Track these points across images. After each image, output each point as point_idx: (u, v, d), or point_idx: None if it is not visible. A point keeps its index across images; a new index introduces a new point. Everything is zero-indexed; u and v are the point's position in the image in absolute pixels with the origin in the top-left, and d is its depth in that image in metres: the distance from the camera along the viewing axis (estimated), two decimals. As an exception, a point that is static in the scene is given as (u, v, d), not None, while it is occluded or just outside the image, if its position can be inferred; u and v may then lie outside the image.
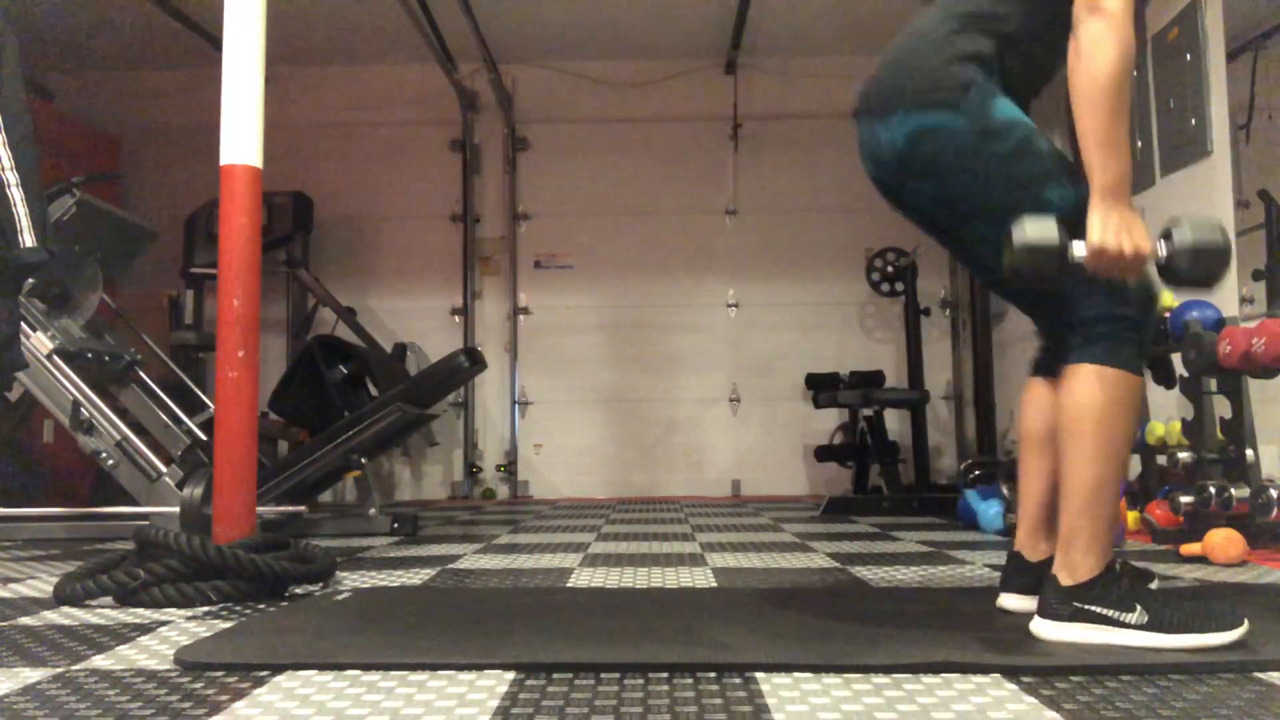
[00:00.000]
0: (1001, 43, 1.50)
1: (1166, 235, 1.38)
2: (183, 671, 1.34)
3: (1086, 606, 1.39)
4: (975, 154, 1.46)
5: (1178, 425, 2.97)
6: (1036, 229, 1.36)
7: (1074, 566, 1.41)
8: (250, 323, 2.10)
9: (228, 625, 1.70)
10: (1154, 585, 1.77)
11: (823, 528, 3.61)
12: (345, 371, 4.19)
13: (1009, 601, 1.65)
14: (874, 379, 5.03)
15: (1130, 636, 1.37)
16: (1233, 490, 2.56)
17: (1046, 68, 1.58)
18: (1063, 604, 1.41)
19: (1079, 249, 1.36)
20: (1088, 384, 1.43)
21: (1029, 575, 1.63)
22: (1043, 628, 1.42)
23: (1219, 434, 2.80)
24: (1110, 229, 1.35)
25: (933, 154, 1.48)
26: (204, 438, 3.68)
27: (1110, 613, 1.38)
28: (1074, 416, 1.43)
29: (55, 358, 3.32)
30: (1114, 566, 1.42)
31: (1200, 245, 1.36)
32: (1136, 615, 1.38)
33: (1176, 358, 2.97)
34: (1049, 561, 1.53)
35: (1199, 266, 1.36)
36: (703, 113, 5.85)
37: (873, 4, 5.02)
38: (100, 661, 1.42)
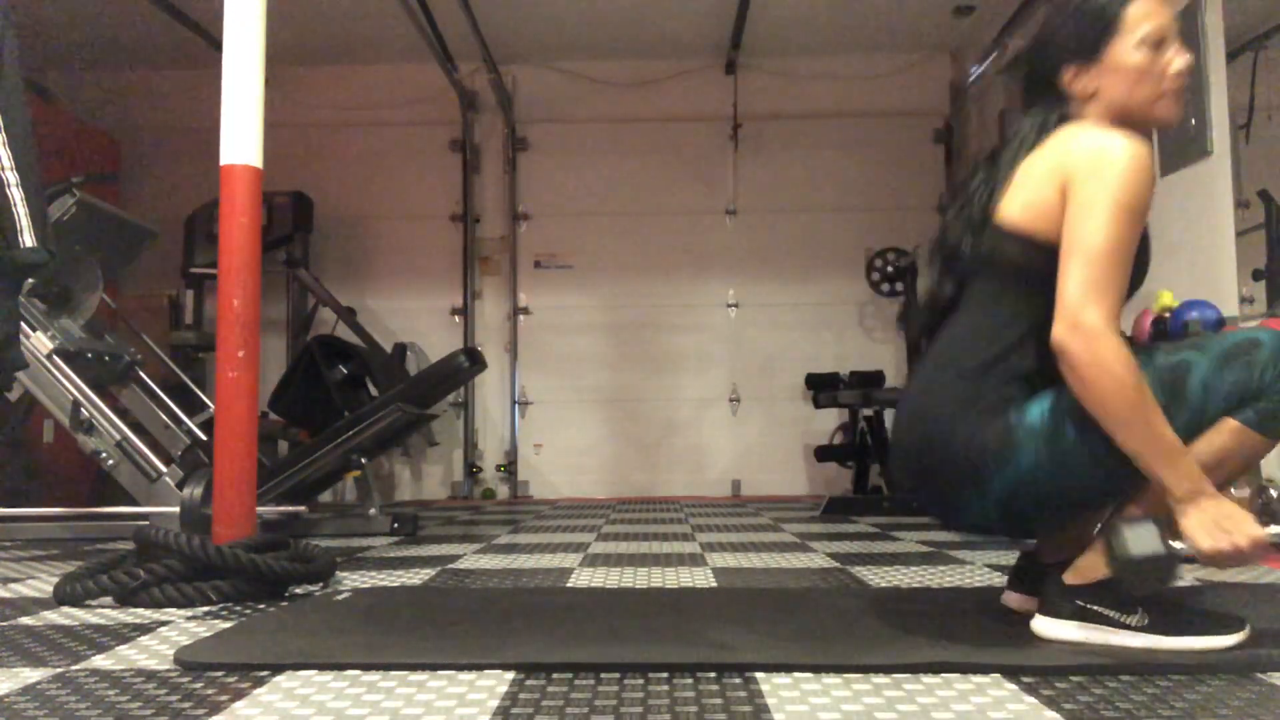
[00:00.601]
0: (1023, 380, 1.39)
1: None
2: (183, 671, 1.34)
3: (1088, 606, 1.39)
4: (1062, 459, 1.34)
5: (1178, 425, 2.97)
6: (1137, 542, 1.29)
7: (1085, 569, 1.41)
8: (250, 323, 2.10)
9: (228, 625, 1.70)
10: None
11: (823, 528, 3.61)
12: (345, 371, 4.19)
13: (1014, 600, 1.65)
14: (874, 379, 5.03)
15: (1130, 638, 1.37)
16: (1233, 490, 2.56)
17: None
18: (1065, 601, 1.41)
19: (1184, 547, 1.30)
20: (1222, 434, 1.34)
21: (1040, 578, 1.60)
22: (1043, 625, 1.42)
23: (1219, 434, 2.79)
24: (1208, 533, 1.27)
25: (1032, 496, 1.38)
26: (204, 438, 3.68)
27: (1112, 613, 1.38)
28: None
29: (55, 358, 3.33)
30: None
31: None
32: (1138, 617, 1.37)
33: (1176, 358, 2.97)
34: (1061, 565, 1.53)
35: None
36: (703, 113, 5.85)
37: (873, 4, 5.02)
38: (100, 661, 1.42)
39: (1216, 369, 1.33)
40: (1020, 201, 1.40)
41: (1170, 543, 1.29)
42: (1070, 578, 1.41)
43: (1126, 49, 1.41)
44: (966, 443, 1.38)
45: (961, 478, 1.40)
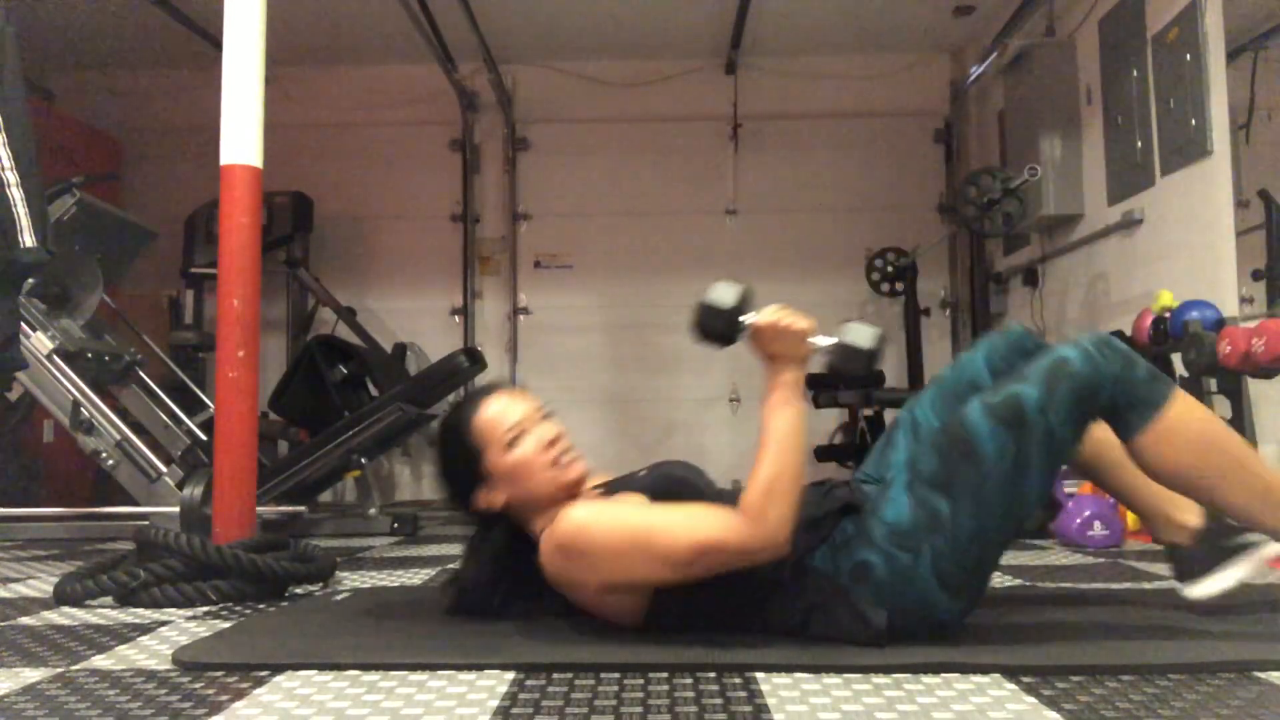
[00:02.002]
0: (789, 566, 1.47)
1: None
2: (182, 671, 1.34)
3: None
4: (956, 518, 1.40)
5: (1178, 425, 2.97)
6: (859, 334, 1.47)
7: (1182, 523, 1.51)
8: (250, 323, 2.10)
9: (227, 625, 1.70)
10: None
11: (823, 528, 3.60)
12: (345, 371, 4.18)
13: (1192, 591, 1.59)
14: (874, 379, 5.02)
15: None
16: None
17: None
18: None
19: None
20: (1170, 432, 1.42)
21: (1199, 559, 1.59)
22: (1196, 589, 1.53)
23: (1219, 434, 2.79)
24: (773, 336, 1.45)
25: (959, 565, 1.41)
26: (204, 438, 3.68)
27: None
28: (1191, 465, 1.42)
29: (55, 358, 3.32)
30: None
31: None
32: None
33: (1176, 358, 2.97)
34: (1202, 533, 1.58)
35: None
36: (703, 113, 5.85)
37: (873, 4, 5.02)
38: (100, 661, 1.42)
39: (1047, 390, 1.38)
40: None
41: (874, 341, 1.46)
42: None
43: (496, 458, 1.53)
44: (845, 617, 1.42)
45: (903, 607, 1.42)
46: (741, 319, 1.48)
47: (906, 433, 1.59)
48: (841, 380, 1.55)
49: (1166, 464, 1.41)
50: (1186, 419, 1.40)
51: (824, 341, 1.47)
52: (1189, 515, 1.59)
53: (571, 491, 1.56)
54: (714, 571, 1.40)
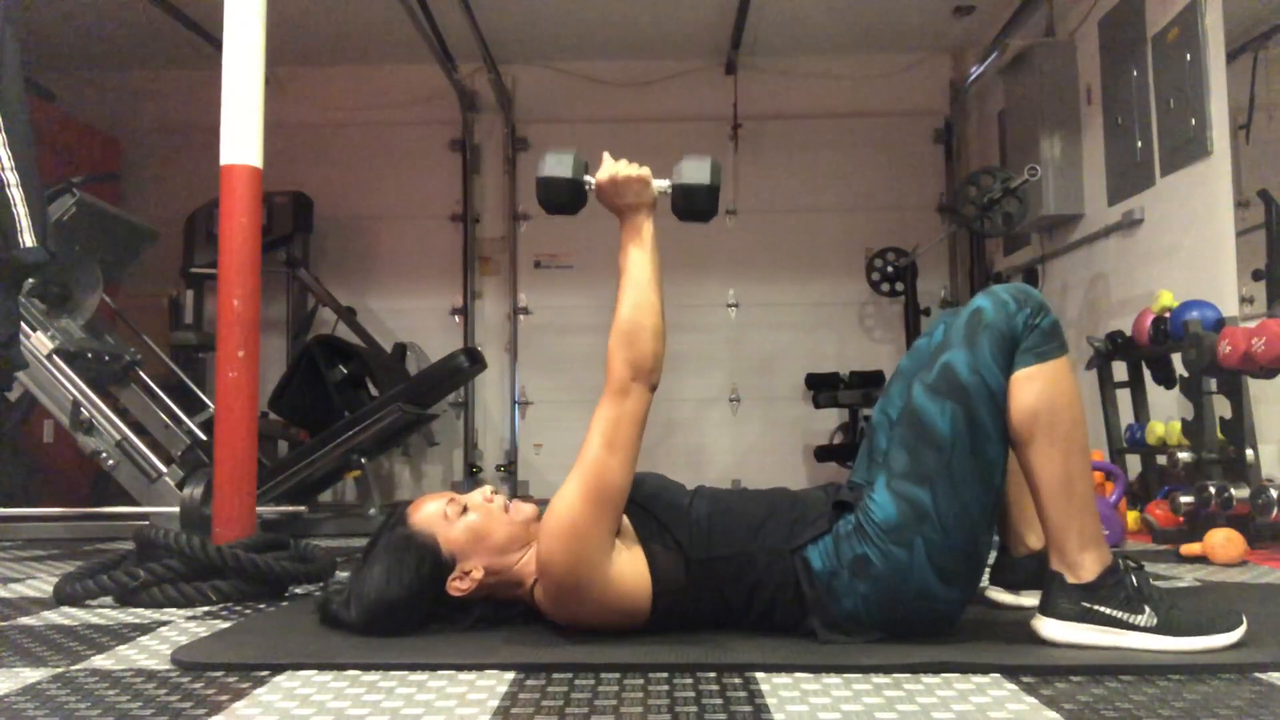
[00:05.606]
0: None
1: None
2: (182, 671, 1.35)
3: (1095, 607, 1.38)
4: (943, 505, 1.41)
5: (1178, 425, 2.98)
6: (694, 169, 1.63)
7: (1076, 566, 1.40)
8: (250, 323, 2.10)
9: (227, 625, 1.70)
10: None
11: (823, 528, 3.60)
12: (345, 371, 4.19)
13: (994, 594, 1.74)
14: (874, 379, 5.03)
15: (1138, 639, 1.36)
16: (1233, 490, 2.56)
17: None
18: (1070, 603, 1.39)
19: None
20: (1050, 380, 1.41)
21: (1013, 571, 1.70)
22: (1049, 627, 1.41)
23: (1219, 434, 2.80)
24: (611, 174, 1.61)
25: (949, 553, 1.42)
26: (204, 438, 3.69)
27: (1119, 614, 1.37)
28: (1046, 413, 1.40)
29: (55, 358, 3.33)
30: (1117, 564, 1.41)
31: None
32: (1145, 617, 1.37)
33: (1176, 358, 2.97)
34: (1035, 556, 1.59)
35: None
36: (703, 113, 5.85)
37: (873, 4, 5.02)
38: (100, 661, 1.42)
39: (971, 349, 1.41)
40: None
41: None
42: (1072, 577, 1.41)
43: (454, 535, 1.52)
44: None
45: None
46: (584, 182, 1.58)
47: (884, 431, 1.60)
48: (691, 216, 1.73)
49: (1020, 403, 1.40)
50: (1060, 378, 1.41)
51: (662, 184, 1.60)
52: (1034, 538, 1.68)
53: (530, 527, 1.57)
54: (640, 423, 1.57)
